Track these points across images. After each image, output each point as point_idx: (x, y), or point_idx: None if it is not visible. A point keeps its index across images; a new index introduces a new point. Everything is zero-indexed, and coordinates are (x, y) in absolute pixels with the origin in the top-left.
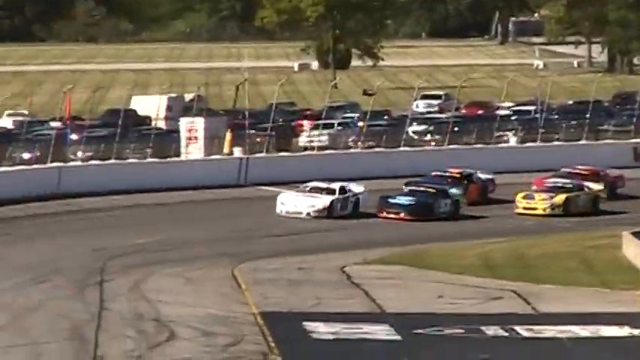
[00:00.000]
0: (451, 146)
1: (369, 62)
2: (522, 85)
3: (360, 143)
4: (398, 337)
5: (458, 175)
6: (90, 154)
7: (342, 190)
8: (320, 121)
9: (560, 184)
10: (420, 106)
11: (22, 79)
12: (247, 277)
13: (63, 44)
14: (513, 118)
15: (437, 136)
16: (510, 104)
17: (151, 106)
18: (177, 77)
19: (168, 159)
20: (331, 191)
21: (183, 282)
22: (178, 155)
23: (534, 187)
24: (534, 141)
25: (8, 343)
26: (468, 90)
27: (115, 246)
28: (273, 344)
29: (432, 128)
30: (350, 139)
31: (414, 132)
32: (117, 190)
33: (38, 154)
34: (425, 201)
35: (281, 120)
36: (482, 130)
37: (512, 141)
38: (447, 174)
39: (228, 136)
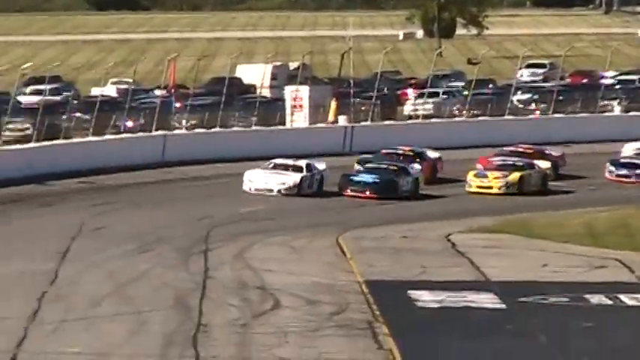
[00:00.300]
0: (556, 115)
1: (474, 31)
2: (626, 54)
3: (464, 112)
4: (502, 306)
5: (410, 153)
6: (194, 122)
7: (309, 167)
8: (425, 90)
9: (510, 162)
10: (525, 75)
11: (126, 47)
12: (352, 245)
13: (167, 12)
14: (617, 87)
15: (542, 105)
16: (614, 73)
17: (256, 74)
18: (282, 45)
19: (273, 127)
20: (298, 168)
21: (288, 250)
22: (283, 124)
23: (479, 166)
24: (638, 110)
25: (113, 312)
26: (572, 59)
27: (219, 214)
28: (378, 312)
29: (536, 97)
30: (454, 108)
31: (518, 101)
32: (221, 158)
33: (142, 122)
34: (389, 179)
35: (386, 88)
36: (586, 99)
37: (617, 110)
38: (399, 151)
39: (333, 104)
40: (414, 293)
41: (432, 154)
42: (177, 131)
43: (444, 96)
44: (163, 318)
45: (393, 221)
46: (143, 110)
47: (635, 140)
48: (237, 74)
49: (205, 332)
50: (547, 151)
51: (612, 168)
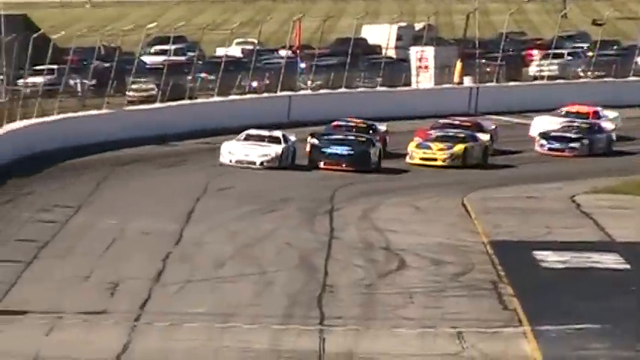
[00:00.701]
0: None
1: None
2: None
3: (589, 73)
4: (627, 266)
5: (363, 126)
6: (319, 83)
7: (285, 138)
8: (550, 51)
9: (452, 134)
10: None
11: (251, 7)
12: (477, 206)
13: None
14: None
15: None
16: None
17: (382, 35)
18: (407, 6)
19: (399, 88)
20: (275, 139)
21: (413, 211)
22: (408, 84)
23: (417, 138)
24: None
25: (238, 272)
26: None
27: (344, 175)
28: (502, 273)
29: None
30: (579, 69)
31: None
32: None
33: (267, 82)
34: (363, 150)
35: (511, 49)
36: None
37: None
38: (351, 123)
39: (459, 65)
40: (539, 254)
41: (381, 127)
42: (302, 92)
43: (569, 57)
44: (288, 278)
45: (518, 181)
46: (268, 71)
47: (546, 112)
48: (363, 35)
49: (331, 293)
50: (484, 124)
51: (544, 142)
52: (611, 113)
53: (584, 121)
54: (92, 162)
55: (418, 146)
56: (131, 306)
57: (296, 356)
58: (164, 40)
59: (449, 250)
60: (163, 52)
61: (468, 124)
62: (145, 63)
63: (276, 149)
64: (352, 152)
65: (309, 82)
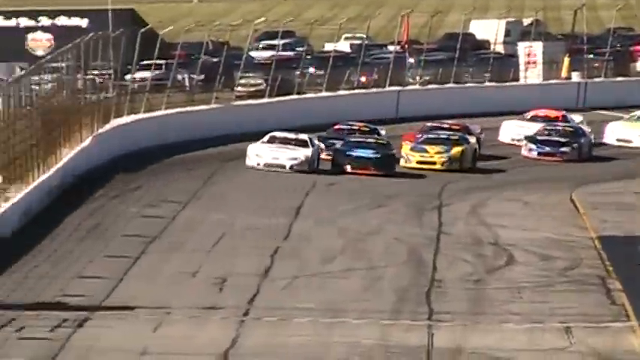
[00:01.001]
0: None
1: None
2: None
3: None
4: None
5: (366, 129)
6: (428, 78)
7: (311, 141)
8: None
9: (445, 136)
10: None
11: (360, 2)
12: (585, 201)
13: None
14: None
15: None
16: None
17: (490, 30)
18: (516, 1)
19: (507, 83)
20: (302, 142)
21: (521, 206)
22: (517, 79)
23: (406, 142)
24: None
25: (347, 267)
26: None
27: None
28: (611, 268)
29: None
30: None
31: None
32: (455, 114)
33: (376, 77)
34: (387, 153)
35: (618, 45)
36: None
37: None
38: (355, 126)
39: (566, 60)
40: None
41: (382, 130)
42: (410, 87)
43: None
44: (396, 273)
45: (626, 176)
46: (376, 66)
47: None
48: (471, 30)
49: (439, 288)
50: (471, 127)
51: (532, 146)
52: (577, 117)
53: (568, 124)
54: (200, 157)
55: (413, 149)
56: (239, 301)
57: (404, 351)
58: (272, 35)
59: (557, 245)
60: (271, 47)
61: (457, 127)
62: (253, 58)
63: (305, 152)
64: (378, 155)
65: (417, 78)
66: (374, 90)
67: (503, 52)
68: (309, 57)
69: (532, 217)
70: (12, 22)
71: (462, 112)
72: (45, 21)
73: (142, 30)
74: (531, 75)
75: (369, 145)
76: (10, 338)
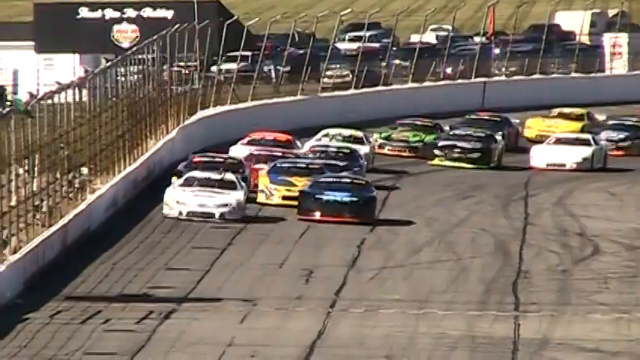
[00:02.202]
0: None
1: None
2: None
3: None
4: None
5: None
6: (514, 69)
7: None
8: None
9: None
10: None
11: None
12: None
13: None
14: None
15: None
16: None
17: (575, 21)
18: None
19: (592, 74)
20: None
21: (607, 197)
22: (602, 70)
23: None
24: None
25: (434, 258)
26: None
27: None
28: None
29: None
30: None
31: None
32: (541, 105)
33: (462, 69)
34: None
35: None
36: None
37: None
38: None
39: None
40: None
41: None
42: (496, 78)
43: None
44: (483, 264)
45: None
46: (462, 57)
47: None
48: (556, 21)
49: (526, 279)
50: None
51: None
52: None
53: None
54: None
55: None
56: (326, 293)
57: (491, 342)
58: (358, 27)
59: None
60: (358, 39)
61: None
62: (339, 50)
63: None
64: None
65: (503, 69)
66: (460, 81)
67: (588, 43)
68: (395, 48)
69: (618, 208)
70: (97, 14)
71: (549, 103)
72: (130, 13)
73: (228, 21)
74: (617, 66)
75: (343, 186)
76: (97, 330)
